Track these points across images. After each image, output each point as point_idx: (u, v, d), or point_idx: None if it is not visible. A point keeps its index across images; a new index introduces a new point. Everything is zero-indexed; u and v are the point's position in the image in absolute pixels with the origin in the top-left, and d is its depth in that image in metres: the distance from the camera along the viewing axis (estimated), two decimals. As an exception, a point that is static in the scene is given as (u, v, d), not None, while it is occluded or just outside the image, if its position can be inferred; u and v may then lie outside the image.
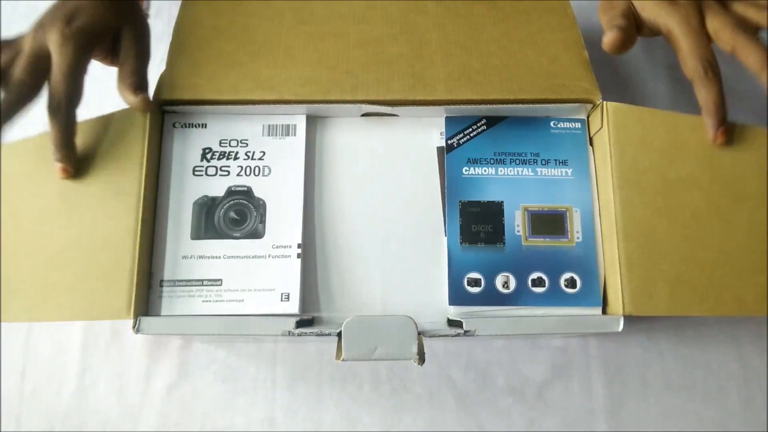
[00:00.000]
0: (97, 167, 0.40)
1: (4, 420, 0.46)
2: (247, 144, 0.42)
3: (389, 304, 0.40)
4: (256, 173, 0.41)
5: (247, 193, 0.41)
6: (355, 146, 0.43)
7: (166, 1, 0.52)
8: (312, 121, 0.43)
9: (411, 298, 0.40)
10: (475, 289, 0.39)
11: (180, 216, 0.40)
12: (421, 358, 0.34)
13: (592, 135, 0.42)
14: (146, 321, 0.37)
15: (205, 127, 0.42)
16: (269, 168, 0.41)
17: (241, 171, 0.41)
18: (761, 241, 0.37)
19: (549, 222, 0.40)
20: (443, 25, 0.44)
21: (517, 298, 0.39)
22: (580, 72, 0.42)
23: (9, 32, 0.57)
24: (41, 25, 0.39)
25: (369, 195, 0.42)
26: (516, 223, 0.40)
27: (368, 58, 0.42)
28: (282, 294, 0.39)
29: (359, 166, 0.43)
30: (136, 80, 0.39)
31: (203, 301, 0.39)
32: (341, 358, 0.34)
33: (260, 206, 0.41)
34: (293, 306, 0.39)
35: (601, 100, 0.40)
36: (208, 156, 0.42)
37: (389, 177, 0.42)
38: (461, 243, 0.40)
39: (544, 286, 0.39)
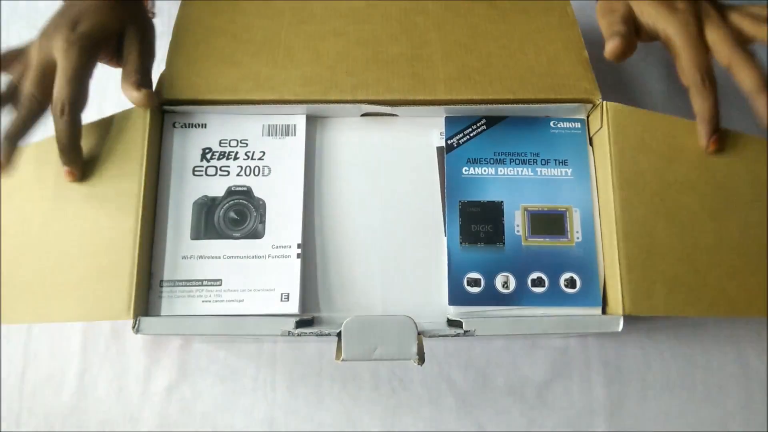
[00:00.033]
0: (98, 168, 0.40)
1: (4, 420, 0.46)
2: (246, 144, 0.42)
3: (389, 304, 0.40)
4: (256, 173, 0.41)
5: (247, 193, 0.41)
6: (354, 146, 0.43)
7: (166, 1, 0.52)
8: (312, 121, 0.43)
9: (411, 298, 0.40)
10: (475, 289, 0.39)
11: (180, 216, 0.40)
12: (421, 358, 0.34)
13: (591, 135, 0.42)
14: (146, 321, 0.37)
15: (205, 127, 0.42)
16: (269, 168, 0.41)
17: (240, 171, 0.41)
18: (751, 244, 0.38)
19: (549, 222, 0.40)
20: (443, 25, 0.44)
21: (517, 298, 0.39)
22: (580, 71, 0.42)
23: (8, 32, 0.58)
24: (46, 34, 0.39)
25: (369, 195, 0.42)
26: (516, 223, 0.40)
27: (368, 58, 0.42)
28: (282, 294, 0.39)
29: (359, 166, 0.43)
30: (138, 77, 0.39)
31: (203, 302, 0.39)
32: (341, 359, 0.34)
33: (260, 206, 0.40)
34: (293, 306, 0.39)
35: (601, 100, 0.40)
36: (208, 156, 0.42)
37: (389, 177, 0.42)
38: (461, 243, 0.40)
39: (543, 286, 0.39)
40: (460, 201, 0.41)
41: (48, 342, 0.48)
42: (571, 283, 0.39)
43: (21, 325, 0.48)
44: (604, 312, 0.39)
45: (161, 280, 0.39)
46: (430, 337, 0.36)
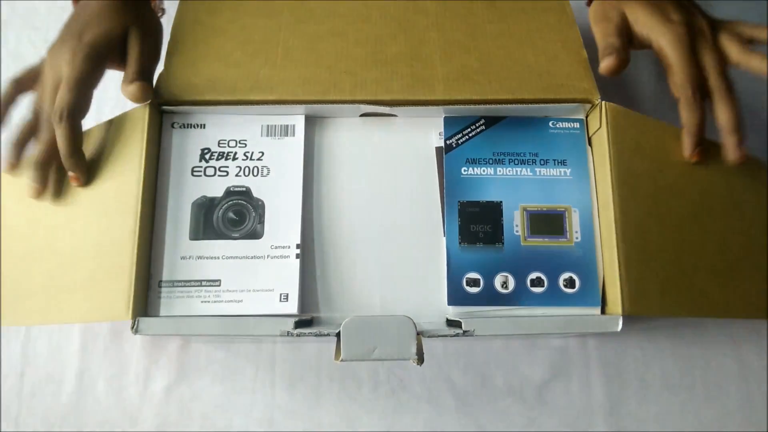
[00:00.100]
0: (98, 170, 0.40)
1: (3, 420, 0.46)
2: (245, 144, 0.42)
3: (388, 304, 0.40)
4: (255, 173, 0.41)
5: (246, 193, 0.41)
6: (353, 146, 0.43)
7: (165, 1, 0.52)
8: (311, 121, 0.43)
9: (410, 298, 0.40)
10: (474, 289, 0.39)
11: (179, 216, 0.40)
12: (420, 359, 0.34)
13: (590, 135, 0.42)
14: (145, 321, 0.37)
15: (204, 127, 0.42)
16: (268, 168, 0.41)
17: (239, 171, 0.41)
18: (731, 250, 0.40)
19: (548, 222, 0.40)
20: (442, 25, 0.44)
21: (516, 298, 0.39)
22: (579, 72, 0.42)
23: (8, 32, 0.58)
24: (55, 49, 0.40)
25: (368, 195, 0.42)
26: (515, 223, 0.40)
27: (367, 58, 0.42)
28: (281, 294, 0.39)
29: (358, 167, 0.43)
30: (135, 76, 0.39)
31: (202, 302, 0.39)
32: (340, 359, 0.34)
33: (259, 206, 0.40)
34: (292, 306, 0.39)
35: (599, 100, 0.40)
36: (207, 156, 0.41)
37: (388, 177, 0.42)
38: (460, 243, 0.40)
39: (543, 286, 0.39)
40: (459, 201, 0.41)
41: (47, 342, 0.48)
42: (570, 283, 0.39)
43: (20, 326, 0.48)
44: (603, 312, 0.39)
45: (160, 281, 0.39)
46: (429, 337, 0.36)
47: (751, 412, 0.47)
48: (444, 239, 0.41)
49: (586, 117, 0.43)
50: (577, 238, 0.40)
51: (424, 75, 0.42)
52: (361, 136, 0.43)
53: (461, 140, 0.42)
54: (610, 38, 0.41)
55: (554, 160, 0.42)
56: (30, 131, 0.40)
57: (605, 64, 0.40)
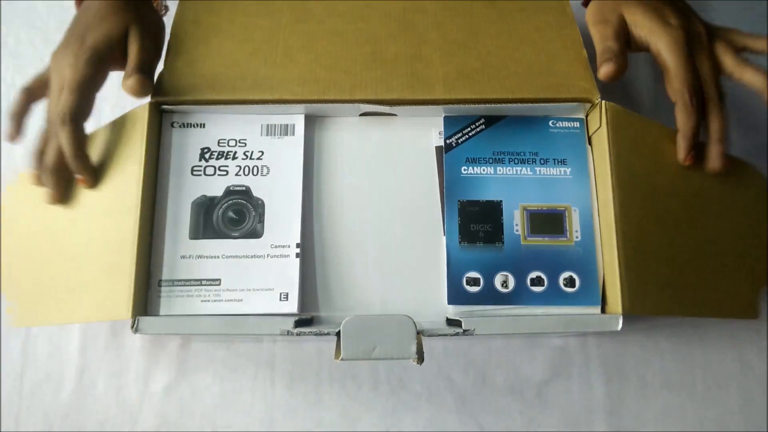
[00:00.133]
0: (100, 170, 0.40)
1: (3, 419, 0.46)
2: (245, 144, 0.42)
3: (388, 304, 0.40)
4: (255, 173, 0.41)
5: (246, 192, 0.41)
6: (353, 146, 0.43)
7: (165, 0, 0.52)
8: (310, 120, 0.43)
9: (410, 297, 0.40)
10: (474, 289, 0.39)
11: (178, 216, 0.40)
12: (420, 358, 0.34)
13: (590, 134, 0.42)
14: (145, 321, 0.37)
15: (204, 126, 0.42)
16: (268, 168, 0.41)
17: (239, 171, 0.41)
18: (720, 252, 0.40)
19: (548, 221, 0.40)
20: (442, 24, 0.44)
21: (516, 297, 0.39)
22: (579, 71, 0.42)
23: (8, 31, 0.58)
24: (59, 54, 0.40)
25: (368, 194, 0.42)
26: (515, 222, 0.40)
27: (367, 58, 0.42)
28: (281, 293, 0.39)
29: (358, 166, 0.43)
30: (134, 69, 0.39)
31: (202, 301, 0.39)
32: (340, 358, 0.34)
33: (259, 206, 0.40)
34: (292, 305, 0.39)
35: (599, 100, 0.40)
36: (207, 156, 0.41)
37: (388, 176, 0.42)
38: (460, 242, 0.40)
39: (543, 285, 0.39)
40: (459, 200, 0.41)
41: (47, 342, 0.48)
42: (570, 282, 0.39)
43: (32, 326, 0.48)
44: (603, 311, 0.39)
45: (160, 280, 0.39)
46: (429, 336, 0.36)
47: (752, 412, 0.47)
48: (444, 238, 0.41)
49: (586, 116, 0.43)
50: (577, 237, 0.40)
51: (423, 74, 0.42)
52: (361, 135, 0.43)
53: (461, 139, 0.42)
54: (608, 42, 0.41)
55: (554, 159, 0.42)
56: (47, 139, 0.40)
57: (604, 70, 0.40)
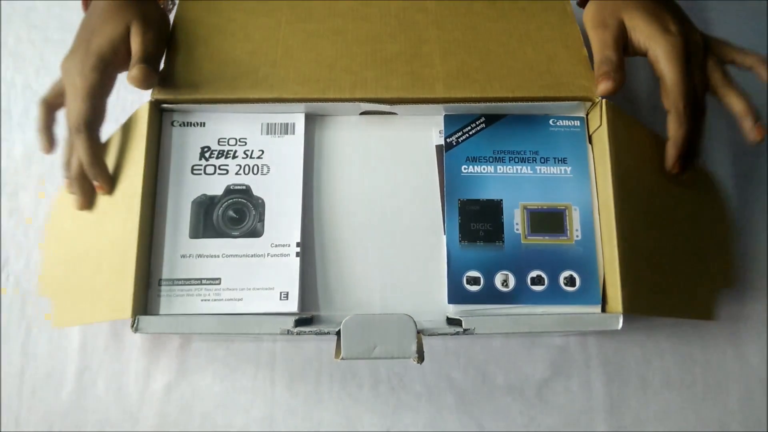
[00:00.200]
0: None
1: (3, 420, 0.46)
2: (245, 143, 0.42)
3: (388, 303, 0.40)
4: (255, 172, 0.41)
5: (246, 191, 0.41)
6: (353, 145, 0.43)
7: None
8: (311, 119, 0.43)
9: (410, 296, 0.40)
10: (475, 288, 0.39)
11: (178, 215, 0.40)
12: (420, 357, 0.34)
13: (591, 133, 0.42)
14: (145, 320, 0.37)
15: (204, 125, 0.42)
16: (268, 167, 0.41)
17: (239, 170, 0.41)
18: (690, 255, 0.42)
19: (548, 220, 0.40)
20: (442, 23, 0.44)
21: (517, 296, 0.39)
22: (579, 69, 0.42)
23: (7, 31, 0.58)
24: (67, 61, 0.40)
25: (368, 193, 0.42)
26: (515, 221, 0.40)
27: (367, 56, 0.42)
28: (281, 293, 0.39)
29: (358, 165, 0.43)
30: (137, 60, 0.39)
31: (202, 300, 0.39)
32: (340, 357, 0.34)
33: (259, 205, 0.40)
34: (292, 305, 0.39)
35: (600, 98, 0.40)
36: (207, 155, 0.41)
37: (388, 175, 0.42)
38: (460, 241, 0.40)
39: (543, 284, 0.39)
40: (459, 199, 0.41)
41: (47, 341, 0.48)
42: (570, 281, 0.39)
43: (20, 325, 0.48)
44: (603, 310, 0.39)
45: (160, 279, 0.39)
46: (429, 335, 0.36)
47: (752, 412, 0.47)
48: (444, 237, 0.41)
49: (587, 115, 0.43)
50: (577, 236, 0.40)
51: (424, 73, 0.42)
52: (361, 134, 0.43)
53: (461, 138, 0.42)
54: (607, 51, 0.40)
55: (554, 158, 0.42)
56: (70, 148, 0.41)
57: (602, 87, 0.40)
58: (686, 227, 0.43)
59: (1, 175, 0.52)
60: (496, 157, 0.42)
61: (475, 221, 0.40)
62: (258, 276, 0.39)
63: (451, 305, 0.39)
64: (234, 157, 0.41)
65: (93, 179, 0.40)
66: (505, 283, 0.39)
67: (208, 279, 0.39)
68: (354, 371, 0.47)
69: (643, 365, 0.48)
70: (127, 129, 0.41)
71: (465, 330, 0.36)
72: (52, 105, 0.41)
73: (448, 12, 0.45)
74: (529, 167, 0.42)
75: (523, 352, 0.48)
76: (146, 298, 0.38)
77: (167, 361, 0.47)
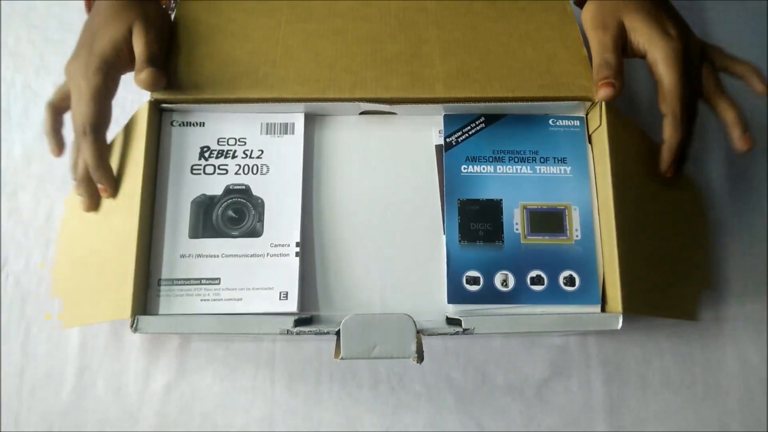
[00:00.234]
0: None
1: (3, 419, 0.46)
2: (245, 142, 0.42)
3: (388, 303, 0.40)
4: (255, 172, 0.41)
5: (246, 191, 0.41)
6: (353, 144, 0.43)
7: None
8: (310, 119, 0.43)
9: (410, 296, 0.40)
10: (474, 288, 0.39)
11: (178, 215, 0.40)
12: (420, 357, 0.34)
13: (590, 133, 0.42)
14: (144, 320, 0.37)
15: (203, 125, 0.42)
16: (267, 166, 0.41)
17: (239, 169, 0.41)
18: (676, 257, 0.42)
19: (548, 220, 0.40)
20: (442, 23, 0.44)
21: (516, 296, 0.39)
22: (579, 69, 0.42)
23: (7, 30, 0.58)
24: (71, 64, 0.40)
25: (367, 193, 0.42)
26: (515, 221, 0.40)
27: (367, 56, 0.42)
28: (280, 293, 0.39)
29: (358, 165, 0.43)
30: (144, 62, 0.39)
31: (201, 300, 0.39)
32: (340, 357, 0.34)
33: (258, 205, 0.40)
34: (292, 305, 0.39)
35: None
36: (206, 154, 0.41)
37: (388, 175, 0.42)
38: (460, 241, 0.40)
39: (543, 284, 0.39)
40: (459, 199, 0.41)
41: (47, 341, 0.48)
42: (570, 281, 0.39)
43: (20, 325, 0.48)
44: (603, 310, 0.39)
45: (159, 279, 0.39)
46: (429, 335, 0.36)
47: (752, 412, 0.47)
48: (444, 237, 0.41)
49: (586, 115, 0.43)
50: (577, 236, 0.40)
51: (423, 73, 0.42)
52: (361, 134, 0.43)
53: (461, 138, 0.42)
54: (606, 54, 0.40)
55: (554, 158, 0.42)
56: (77, 150, 0.41)
57: (603, 95, 0.40)
58: (673, 228, 0.43)
59: (1, 175, 0.52)
60: (495, 157, 0.42)
61: (475, 221, 0.40)
62: (257, 276, 0.39)
63: (450, 305, 0.39)
64: (233, 156, 0.41)
65: (97, 182, 0.40)
66: (504, 282, 0.39)
67: (207, 279, 0.39)
68: (354, 371, 0.47)
69: (642, 365, 0.48)
70: (126, 129, 0.41)
71: (464, 330, 0.36)
72: (58, 108, 0.42)
73: (448, 12, 0.45)
74: (528, 167, 0.42)
75: (522, 352, 0.48)
76: (145, 298, 0.38)
77: (167, 361, 0.47)
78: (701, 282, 0.45)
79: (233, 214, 0.40)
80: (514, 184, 0.41)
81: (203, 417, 0.46)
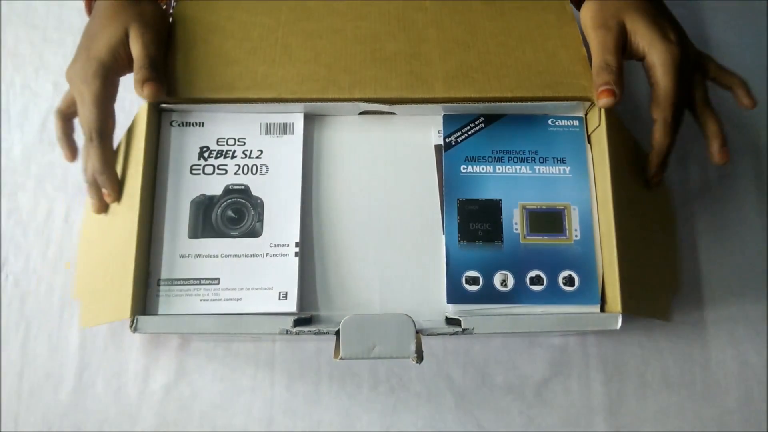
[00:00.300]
0: None
1: (3, 420, 0.46)
2: (244, 142, 0.42)
3: (387, 303, 0.40)
4: (254, 172, 0.41)
5: (245, 191, 0.41)
6: (352, 144, 0.43)
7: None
8: (309, 119, 0.43)
9: (409, 296, 0.40)
10: (474, 288, 0.39)
11: (177, 215, 0.40)
12: (420, 357, 0.34)
13: (590, 133, 0.42)
14: (143, 320, 0.37)
15: (203, 125, 0.42)
16: (267, 166, 0.41)
17: (238, 169, 0.41)
18: (655, 259, 0.43)
19: (547, 220, 0.40)
20: (441, 23, 0.44)
21: (516, 296, 0.39)
22: (578, 69, 0.42)
23: (7, 31, 0.58)
24: (71, 69, 0.40)
25: (367, 193, 0.42)
26: (514, 221, 0.40)
27: (366, 56, 0.42)
28: (280, 293, 0.39)
29: (357, 165, 0.43)
30: (144, 73, 0.39)
31: (201, 300, 0.39)
32: (339, 357, 0.34)
33: (258, 205, 0.40)
34: (291, 305, 0.39)
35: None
36: (206, 154, 0.41)
37: (387, 175, 0.42)
38: (459, 241, 0.40)
39: (542, 284, 0.39)
40: (458, 199, 0.41)
41: (46, 341, 0.48)
42: (569, 281, 0.39)
43: (19, 325, 0.48)
44: (602, 310, 0.39)
45: (159, 279, 0.39)
46: (428, 335, 0.36)
47: (751, 412, 0.47)
48: (443, 237, 0.41)
49: (586, 115, 0.43)
50: (576, 236, 0.40)
51: (423, 73, 0.42)
52: (360, 134, 0.43)
53: (460, 138, 0.42)
54: (608, 55, 0.40)
55: (553, 158, 0.42)
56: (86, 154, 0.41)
57: (603, 102, 0.39)
58: (654, 231, 0.44)
59: (0, 175, 0.52)
60: (495, 157, 0.42)
61: (474, 221, 0.40)
62: (257, 276, 0.39)
63: (450, 305, 0.39)
64: (233, 157, 0.41)
65: (102, 186, 0.40)
66: (504, 282, 0.39)
67: (207, 279, 0.39)
68: (353, 371, 0.47)
69: (642, 365, 0.48)
70: (127, 130, 0.41)
71: (464, 330, 0.36)
72: (66, 114, 0.42)
73: (447, 11, 0.45)
74: (528, 167, 0.42)
75: (522, 352, 0.48)
76: (145, 298, 0.38)
77: (166, 361, 0.47)
78: (673, 284, 0.46)
79: (233, 214, 0.40)
80: (514, 184, 0.41)
81: (203, 417, 0.46)
